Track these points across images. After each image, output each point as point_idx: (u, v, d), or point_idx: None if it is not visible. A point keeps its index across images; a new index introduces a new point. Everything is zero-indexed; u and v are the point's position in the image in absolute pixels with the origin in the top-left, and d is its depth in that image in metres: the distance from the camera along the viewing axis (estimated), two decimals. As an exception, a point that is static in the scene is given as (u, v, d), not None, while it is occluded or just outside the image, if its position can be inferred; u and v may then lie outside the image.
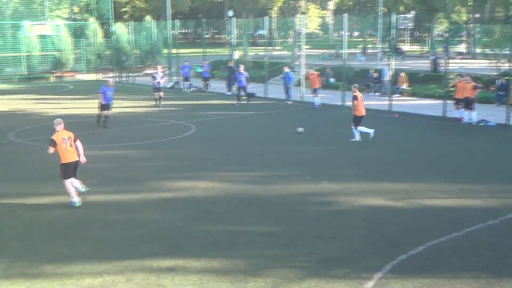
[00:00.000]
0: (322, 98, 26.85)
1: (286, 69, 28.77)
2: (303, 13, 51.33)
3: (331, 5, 68.17)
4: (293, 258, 8.92)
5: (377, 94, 31.11)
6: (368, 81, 32.22)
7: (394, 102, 25.97)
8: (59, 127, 11.77)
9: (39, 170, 14.64)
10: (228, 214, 11.13)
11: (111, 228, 10.37)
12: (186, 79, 34.55)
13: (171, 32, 41.12)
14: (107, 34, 49.86)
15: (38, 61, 45.24)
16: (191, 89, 34.23)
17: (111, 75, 43.28)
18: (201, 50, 37.65)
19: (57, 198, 12.11)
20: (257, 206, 11.65)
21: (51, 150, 11.53)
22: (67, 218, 10.91)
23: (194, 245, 9.47)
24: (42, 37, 45.64)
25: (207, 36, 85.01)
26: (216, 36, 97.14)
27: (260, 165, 15.32)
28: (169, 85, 35.62)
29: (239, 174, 14.27)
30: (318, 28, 61.63)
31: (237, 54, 42.46)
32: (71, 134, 11.77)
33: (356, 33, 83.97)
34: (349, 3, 78.07)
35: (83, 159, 11.87)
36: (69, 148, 11.55)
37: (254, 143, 18.22)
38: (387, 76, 28.94)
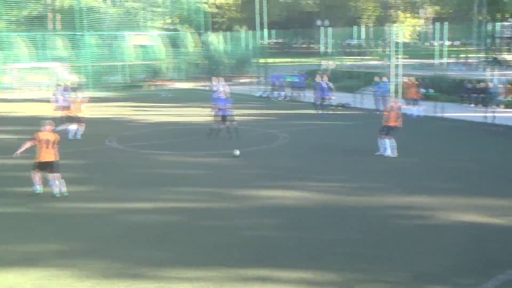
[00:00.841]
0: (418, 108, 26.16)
1: (379, 79, 28.27)
2: (396, 21, 50.31)
3: (426, 13, 66.33)
4: (386, 272, 8.68)
5: (472, 105, 29.73)
6: (464, 91, 30.94)
7: (494, 114, 24.78)
8: (47, 127, 13.01)
9: (136, 175, 15.23)
10: (318, 224, 11.03)
11: (203, 234, 10.54)
12: (277, 88, 34.78)
13: (263, 42, 41.61)
14: (201, 44, 51.27)
15: (138, 70, 47.25)
16: (282, 98, 34.38)
17: (204, 84, 44.36)
18: (293, 59, 37.83)
19: (153, 203, 12.52)
20: (347, 217, 11.48)
21: (28, 145, 13.02)
22: (162, 223, 11.22)
23: (285, 254, 9.44)
24: (142, 47, 47.66)
25: (299, 45, 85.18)
26: (311, 46, 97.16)
27: (349, 176, 15.10)
28: (260, 94, 35.99)
29: (328, 185, 14.13)
30: (413, 37, 60.14)
31: (328, 64, 42.27)
32: (54, 137, 12.92)
33: (455, 42, 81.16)
34: (450, 11, 75.53)
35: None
36: (46, 149, 12.75)
37: (343, 153, 18.00)
38: (498, 87, 27.62)
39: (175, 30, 55.53)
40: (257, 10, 46.72)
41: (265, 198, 12.89)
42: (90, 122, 25.43)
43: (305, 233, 10.49)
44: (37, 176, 13.13)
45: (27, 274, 8.69)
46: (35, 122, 25.50)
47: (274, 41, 69.71)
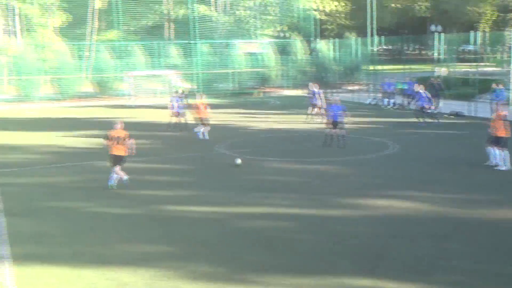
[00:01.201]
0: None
1: (497, 86, 26.78)
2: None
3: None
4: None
5: None
6: None
7: None
8: (118, 126, 15.00)
9: (244, 181, 15.46)
10: (428, 236, 10.58)
11: (309, 241, 10.47)
12: (388, 95, 34.01)
13: (373, 48, 40.89)
14: (311, 51, 51.31)
15: (247, 77, 48.18)
16: (392, 106, 33.56)
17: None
18: (404, 66, 36.86)
19: (260, 208, 12.64)
20: (458, 230, 10.94)
21: (105, 142, 14.89)
22: (269, 229, 11.26)
23: (393, 266, 9.15)
24: (252, 54, 48.56)
25: (411, 52, 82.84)
26: (423, 52, 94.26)
27: (459, 187, 14.40)
28: (369, 101, 35.38)
29: (438, 195, 13.50)
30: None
31: (441, 71, 40.73)
32: (123, 134, 14.80)
33: None
34: None
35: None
36: (117, 144, 14.67)
37: (453, 163, 17.19)
38: None
39: (285, 37, 56.05)
40: (367, 16, 46.08)
41: (373, 207, 12.59)
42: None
43: (414, 244, 10.11)
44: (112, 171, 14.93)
45: (139, 273, 9.05)
46: (152, 128, 27.09)
47: (384, 47, 68.36)
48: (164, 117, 26.95)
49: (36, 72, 42.32)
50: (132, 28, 56.36)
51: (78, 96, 42.97)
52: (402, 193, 13.77)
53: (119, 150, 14.80)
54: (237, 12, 57.92)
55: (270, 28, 57.55)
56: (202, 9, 55.56)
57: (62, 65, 43.11)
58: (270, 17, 58.03)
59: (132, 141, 14.97)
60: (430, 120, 25.78)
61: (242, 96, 44.86)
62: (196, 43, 47.20)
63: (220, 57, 48.91)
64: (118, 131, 14.96)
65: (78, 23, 50.63)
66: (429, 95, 26.37)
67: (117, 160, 14.80)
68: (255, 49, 47.94)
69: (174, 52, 47.06)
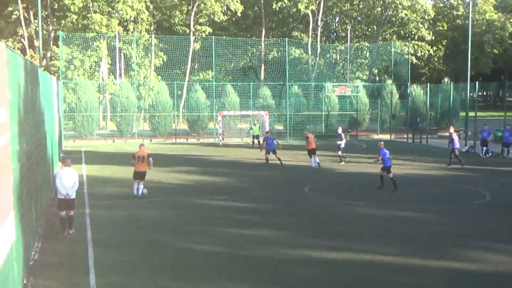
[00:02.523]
0: None
1: None
2: None
3: None
4: None
5: None
6: None
7: None
8: (142, 147, 18.87)
9: (329, 224, 15.13)
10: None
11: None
12: (485, 143, 32.54)
13: (469, 94, 39.47)
14: (403, 95, 50.39)
15: (338, 120, 47.91)
16: (488, 154, 32.04)
17: (404, 135, 43.32)
18: (502, 113, 35.25)
19: (344, 253, 12.24)
20: None
21: (133, 161, 18.66)
22: (353, 276, 10.82)
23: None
24: (341, 97, 48.36)
25: (509, 99, 79.40)
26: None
27: None
28: (465, 149, 34.02)
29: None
30: None
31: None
32: (145, 154, 18.49)
33: None
34: None
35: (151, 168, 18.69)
36: (141, 163, 18.40)
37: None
38: None
39: (377, 80, 55.50)
40: (464, 61, 44.71)
41: (463, 259, 11.80)
42: (290, 168, 26.25)
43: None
44: (135, 184, 18.70)
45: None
46: (239, 166, 27.49)
47: (481, 93, 65.98)
48: (252, 155, 27.23)
49: (134, 109, 44.32)
50: (226, 69, 58.15)
51: (172, 133, 44.47)
52: (496, 245, 12.89)
53: (142, 167, 18.43)
54: (329, 55, 58.25)
55: (363, 71, 57.29)
56: (295, 52, 56.41)
57: (158, 103, 44.89)
58: (364, 60, 57.84)
59: (151, 159, 18.44)
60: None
61: (333, 138, 44.56)
62: (288, 84, 47.69)
63: (311, 99, 49.10)
64: (142, 152, 18.48)
65: (176, 64, 52.78)
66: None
67: (141, 175, 18.55)
68: (348, 92, 47.75)
69: (266, 93, 47.79)
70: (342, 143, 28.78)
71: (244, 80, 50.92)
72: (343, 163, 28.11)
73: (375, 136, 45.93)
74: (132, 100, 44.31)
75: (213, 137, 43.92)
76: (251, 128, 38.81)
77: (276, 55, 57.38)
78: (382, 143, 21.29)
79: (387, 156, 20.41)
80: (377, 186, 20.69)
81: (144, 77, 54.33)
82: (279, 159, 27.17)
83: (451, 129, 28.37)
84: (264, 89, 48.30)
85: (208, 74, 56.40)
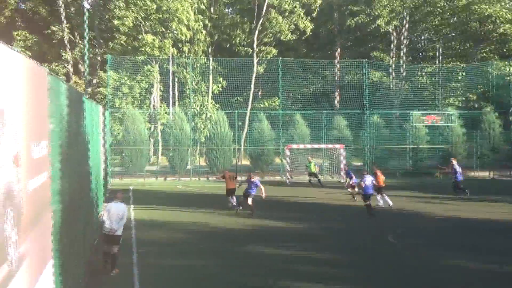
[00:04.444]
0: None
1: None
2: None
3: None
4: None
5: None
6: None
7: None
8: (227, 172, 27.16)
9: (415, 276, 14.69)
10: None
11: None
12: None
13: None
14: (506, 125, 48.91)
15: (426, 154, 46.96)
16: None
17: (507, 173, 41.94)
18: None
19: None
20: None
21: (222, 178, 27.33)
22: None
23: None
24: (431, 127, 47.45)
25: None
26: None
27: None
28: None
29: None
30: None
31: None
32: (233, 174, 27.38)
33: None
34: None
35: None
36: (230, 181, 26.25)
37: None
38: None
39: (474, 108, 54.15)
40: None
41: None
42: (365, 213, 25.78)
43: None
44: (230, 199, 26.19)
45: None
46: (312, 208, 27.30)
47: None
48: (324, 196, 26.98)
49: (188, 142, 45.00)
50: (295, 95, 58.38)
51: (232, 170, 44.74)
52: None
53: (232, 185, 26.34)
54: (416, 79, 57.50)
55: (456, 97, 56.07)
56: (375, 75, 56.07)
57: (217, 135, 45.41)
58: (457, 84, 56.68)
59: (238, 178, 27.25)
60: None
61: (421, 176, 43.67)
62: (367, 113, 47.33)
63: (395, 130, 48.44)
64: (229, 173, 27.19)
65: (237, 90, 53.39)
66: None
67: (232, 192, 26.29)
68: (437, 122, 46.81)
69: (341, 123, 47.57)
70: (352, 180, 30.07)
71: (316, 108, 50.88)
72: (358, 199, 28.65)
73: (473, 174, 44.61)
74: (186, 132, 45.06)
75: (280, 175, 43.90)
76: (307, 166, 38.66)
77: (353, 79, 57.22)
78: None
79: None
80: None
81: (201, 105, 55.30)
82: (352, 194, 28.42)
83: None
84: (339, 118, 48.12)
85: (274, 102, 56.81)
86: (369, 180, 25.27)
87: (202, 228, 21.80)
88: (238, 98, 56.46)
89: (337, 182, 38.79)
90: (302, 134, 46.52)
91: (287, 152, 41.69)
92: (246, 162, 49.13)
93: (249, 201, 25.19)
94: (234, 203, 26.48)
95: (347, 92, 54.43)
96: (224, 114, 46.77)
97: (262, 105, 58.26)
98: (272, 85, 55.45)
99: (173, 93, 53.43)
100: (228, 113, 47.34)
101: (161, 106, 54.48)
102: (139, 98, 53.11)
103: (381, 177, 27.02)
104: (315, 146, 44.21)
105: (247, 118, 52.80)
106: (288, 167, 41.61)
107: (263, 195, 25.65)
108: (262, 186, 25.65)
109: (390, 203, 26.97)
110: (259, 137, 46.39)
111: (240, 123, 50.76)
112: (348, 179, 31.00)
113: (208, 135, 47.64)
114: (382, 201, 27.13)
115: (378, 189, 26.93)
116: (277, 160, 47.48)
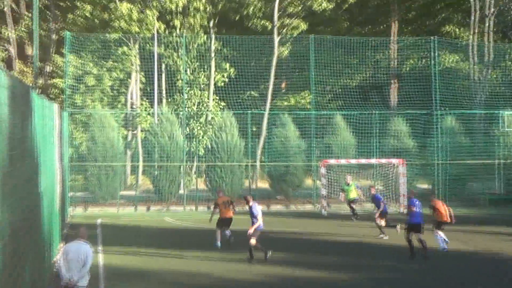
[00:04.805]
0: None
1: None
2: None
3: None
4: None
5: None
6: None
7: None
8: (221, 194, 29.07)
9: None
10: None
11: None
12: None
13: None
14: None
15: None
16: None
17: None
18: None
19: None
20: None
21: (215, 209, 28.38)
22: None
23: None
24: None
25: None
26: None
27: None
28: None
29: None
30: None
31: None
32: (229, 199, 28.67)
33: None
34: None
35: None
36: (224, 209, 27.75)
37: None
38: None
39: None
40: None
41: None
42: (445, 257, 25.59)
43: None
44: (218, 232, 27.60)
45: None
46: (358, 250, 27.04)
47: None
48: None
49: (181, 156, 44.85)
50: (333, 89, 58.07)
51: (241, 196, 44.26)
52: None
53: (228, 213, 27.81)
54: (508, 64, 57.07)
55: None
56: (448, 59, 55.68)
57: (221, 146, 45.18)
58: None
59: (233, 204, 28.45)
60: None
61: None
62: (438, 113, 46.99)
63: (477, 138, 48.12)
64: (224, 197, 28.54)
65: (250, 81, 53.04)
66: None
67: (226, 223, 27.86)
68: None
69: (400, 128, 47.29)
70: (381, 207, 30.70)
71: (364, 107, 50.55)
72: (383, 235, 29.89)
73: None
74: (178, 141, 44.98)
75: (312, 203, 43.63)
76: (342, 190, 38.13)
77: (417, 64, 56.98)
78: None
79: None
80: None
81: (199, 103, 55.21)
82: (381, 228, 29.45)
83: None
84: (397, 121, 47.89)
85: (304, 98, 56.66)
86: (418, 205, 25.84)
87: (200, 280, 21.65)
88: (252, 93, 56.38)
89: (395, 212, 38.47)
90: (344, 145, 46.32)
91: (323, 170, 41.37)
92: (263, 184, 48.95)
93: (252, 241, 24.84)
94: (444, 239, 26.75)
95: (408, 84, 54.13)
96: (232, 115, 46.62)
97: (286, 103, 58.17)
98: (300, 74, 55.39)
99: (159, 87, 53.30)
100: (238, 115, 47.19)
101: (142, 105, 54.49)
102: (111, 94, 53.20)
103: (442, 210, 26.81)
104: (363, 161, 43.99)
105: (265, 121, 52.53)
106: (324, 192, 41.24)
107: (251, 229, 25.25)
108: (260, 215, 25.31)
109: (443, 237, 26.98)
110: (283, 148, 46.23)
111: (255, 129, 50.63)
112: (376, 207, 31.14)
113: (210, 145, 47.54)
114: (442, 241, 26.94)
115: (438, 224, 26.90)
116: (309, 181, 47.24)
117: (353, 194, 36.85)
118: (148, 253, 26.73)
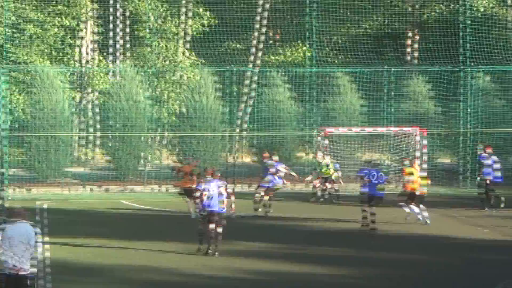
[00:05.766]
0: None
1: None
2: None
3: None
4: None
5: None
6: None
7: None
8: (189, 161, 35.89)
9: None
10: None
11: None
12: None
13: None
14: None
15: None
16: None
17: None
18: None
19: None
20: None
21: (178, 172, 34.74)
22: None
23: None
24: None
25: None
26: None
27: None
28: None
29: None
30: None
31: None
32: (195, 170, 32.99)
33: None
34: None
35: None
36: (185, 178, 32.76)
37: None
38: None
39: None
40: None
41: None
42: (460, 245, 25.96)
43: None
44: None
45: None
46: (363, 241, 27.26)
47: None
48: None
49: (145, 124, 44.94)
50: (336, 41, 58.07)
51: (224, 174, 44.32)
52: None
53: (187, 183, 31.49)
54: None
55: None
56: (481, 3, 55.69)
57: (196, 112, 45.17)
58: None
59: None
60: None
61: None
62: (467, 71, 47.13)
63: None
64: (188, 167, 31.64)
65: (232, 31, 52.96)
66: None
67: (188, 192, 31.06)
68: None
69: (419, 89, 47.40)
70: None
71: (373, 62, 50.58)
72: None
73: None
74: (141, 105, 45.01)
75: (307, 181, 43.91)
76: (319, 166, 38.44)
77: (441, 12, 57.13)
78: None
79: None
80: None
81: (168, 58, 55.17)
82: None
83: None
84: (415, 80, 47.99)
85: (299, 52, 56.73)
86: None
87: (167, 277, 21.94)
88: (236, 45, 56.40)
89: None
90: (349, 109, 46.42)
91: (321, 141, 41.40)
92: (249, 159, 49.10)
93: (211, 227, 25.15)
94: (195, 213, 27.82)
95: (430, 34, 54.27)
96: (210, 73, 46.67)
97: (279, 58, 58.15)
98: (296, 22, 55.38)
99: (117, 37, 53.14)
100: (218, 73, 47.27)
101: (96, 61, 54.35)
102: (59, 46, 53.01)
103: (416, 175, 27.90)
104: (373, 129, 44.21)
105: (252, 80, 52.61)
106: (323, 168, 41.29)
107: (231, 208, 25.74)
108: (232, 195, 25.86)
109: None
110: (273, 114, 46.33)
111: (238, 90, 50.71)
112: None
113: (182, 111, 47.60)
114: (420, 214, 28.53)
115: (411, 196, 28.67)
116: (304, 155, 47.48)
117: (328, 170, 37.47)
118: (103, 244, 26.94)
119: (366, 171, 28.43)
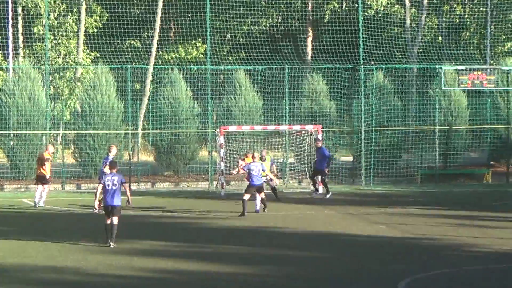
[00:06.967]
0: None
1: None
2: None
3: None
4: None
5: None
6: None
7: None
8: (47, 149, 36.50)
9: None
10: None
11: None
12: None
13: None
14: None
15: (466, 141, 47.43)
16: None
17: None
18: None
19: None
20: None
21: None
22: None
23: None
24: (475, 94, 48.10)
25: None
26: None
27: None
28: None
29: None
30: None
31: None
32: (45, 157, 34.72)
33: None
34: None
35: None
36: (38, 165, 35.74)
37: None
38: None
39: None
40: None
41: None
42: (370, 244, 26.23)
43: None
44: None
45: None
46: (263, 236, 27.30)
47: None
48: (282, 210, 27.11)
49: (42, 122, 44.53)
50: (235, 38, 58.27)
51: (126, 173, 44.08)
52: None
53: (39, 170, 32.96)
54: (449, 9, 58.04)
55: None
56: (376, 1, 56.26)
57: (94, 109, 44.83)
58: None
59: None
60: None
61: (457, 180, 44.49)
62: (364, 69, 47.48)
63: (412, 99, 48.87)
64: (43, 155, 31.68)
65: (130, 28, 52.72)
66: None
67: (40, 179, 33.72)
68: (486, 84, 47.37)
69: (317, 87, 47.65)
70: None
71: (273, 60, 50.76)
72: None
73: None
74: (40, 103, 44.58)
75: (208, 180, 43.89)
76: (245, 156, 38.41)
77: (338, 10, 57.57)
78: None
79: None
80: None
81: (65, 55, 54.77)
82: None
83: None
84: (314, 78, 48.19)
85: (198, 49, 56.72)
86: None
87: (68, 277, 21.73)
88: (133, 42, 56.23)
89: (310, 191, 39.20)
90: (249, 108, 46.48)
91: (221, 140, 41.39)
92: (147, 156, 48.91)
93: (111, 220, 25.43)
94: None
95: (327, 33, 54.65)
96: (108, 71, 46.36)
97: (176, 55, 58.16)
98: (193, 19, 55.38)
99: (15, 34, 52.70)
100: (116, 70, 47.03)
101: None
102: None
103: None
104: (272, 128, 44.34)
105: (149, 78, 52.45)
106: (222, 166, 41.27)
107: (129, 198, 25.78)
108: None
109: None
110: (172, 112, 46.19)
111: (136, 86, 50.52)
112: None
113: (78, 109, 47.25)
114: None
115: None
116: (203, 153, 47.46)
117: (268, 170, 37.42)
118: (3, 245, 26.60)
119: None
